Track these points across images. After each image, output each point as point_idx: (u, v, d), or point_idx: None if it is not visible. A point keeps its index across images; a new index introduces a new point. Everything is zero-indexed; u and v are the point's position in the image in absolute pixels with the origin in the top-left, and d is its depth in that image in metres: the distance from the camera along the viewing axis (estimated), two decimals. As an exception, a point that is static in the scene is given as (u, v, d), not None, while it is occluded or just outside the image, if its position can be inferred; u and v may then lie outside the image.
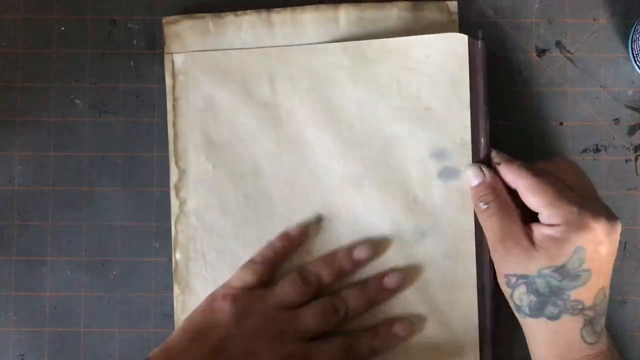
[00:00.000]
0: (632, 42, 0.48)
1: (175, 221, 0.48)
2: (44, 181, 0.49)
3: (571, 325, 0.41)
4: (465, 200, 0.47)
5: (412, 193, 0.47)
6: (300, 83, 0.48)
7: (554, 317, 0.42)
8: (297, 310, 0.45)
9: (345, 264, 0.46)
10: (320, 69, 0.48)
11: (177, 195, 0.48)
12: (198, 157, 0.48)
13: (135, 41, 0.50)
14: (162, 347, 0.43)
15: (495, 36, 0.49)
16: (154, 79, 0.49)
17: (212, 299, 0.45)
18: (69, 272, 0.49)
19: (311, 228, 0.47)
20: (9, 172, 0.49)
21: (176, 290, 0.48)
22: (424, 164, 0.47)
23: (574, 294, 0.41)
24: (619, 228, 0.42)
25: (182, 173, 0.48)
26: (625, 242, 0.48)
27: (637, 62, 0.48)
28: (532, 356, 0.44)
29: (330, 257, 0.46)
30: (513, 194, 0.44)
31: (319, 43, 0.48)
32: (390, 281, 0.46)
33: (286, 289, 0.45)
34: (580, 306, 0.41)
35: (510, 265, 0.43)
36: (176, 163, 0.48)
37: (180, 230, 0.48)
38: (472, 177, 0.45)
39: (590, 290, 0.41)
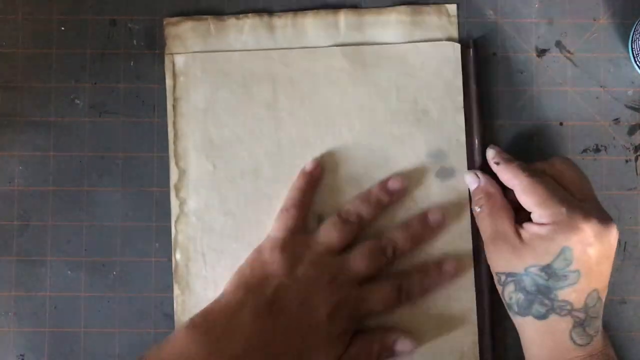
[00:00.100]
0: (632, 42, 0.48)
1: (175, 221, 0.48)
2: (44, 181, 0.49)
3: (560, 325, 0.42)
4: (462, 198, 0.48)
5: (411, 193, 0.48)
6: (301, 85, 0.49)
7: (541, 317, 0.42)
8: (345, 255, 0.45)
9: (382, 197, 0.46)
10: (320, 72, 0.48)
11: (177, 195, 0.48)
12: (198, 157, 0.49)
13: (135, 41, 0.50)
14: (217, 303, 0.43)
15: (495, 36, 0.49)
16: (154, 79, 0.49)
17: (258, 252, 0.45)
18: (69, 272, 0.49)
19: (325, 161, 0.47)
20: (9, 172, 0.49)
21: (176, 291, 0.48)
22: (422, 164, 0.48)
23: (562, 294, 0.41)
24: (612, 230, 0.42)
25: (182, 173, 0.48)
26: (625, 242, 0.48)
27: (637, 62, 0.48)
28: (525, 355, 0.44)
29: (366, 194, 0.47)
30: (511, 194, 0.45)
31: (319, 47, 0.49)
32: (433, 217, 0.46)
33: (329, 233, 0.45)
34: (568, 307, 0.41)
35: (500, 263, 0.43)
36: (176, 163, 0.49)
37: (180, 230, 0.48)
38: (469, 183, 0.47)
39: (580, 291, 0.41)
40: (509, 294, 0.43)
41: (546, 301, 0.42)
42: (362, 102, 0.49)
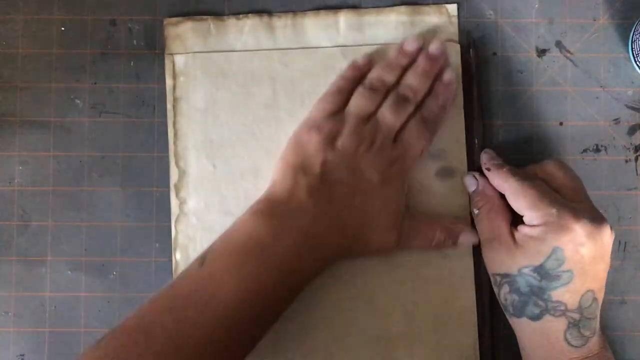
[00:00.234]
0: (632, 42, 0.48)
1: (175, 221, 0.48)
2: (44, 181, 0.49)
3: (554, 326, 0.42)
4: (462, 198, 0.48)
5: (410, 192, 0.48)
6: (301, 85, 0.49)
7: (535, 317, 0.42)
8: (376, 116, 0.45)
9: (401, 60, 0.47)
10: (320, 72, 0.48)
11: (177, 195, 0.48)
12: (198, 157, 0.49)
13: (135, 41, 0.50)
14: (270, 190, 0.44)
15: (495, 36, 0.49)
16: (154, 79, 0.49)
17: (296, 136, 0.46)
18: (69, 272, 0.49)
19: (376, 57, 0.48)
20: (9, 172, 0.49)
21: (176, 290, 0.48)
22: (421, 164, 0.48)
23: (555, 295, 0.41)
24: (605, 230, 0.42)
25: (182, 173, 0.48)
26: (626, 242, 0.48)
27: (637, 62, 0.48)
28: (522, 356, 0.45)
29: (386, 61, 0.47)
30: (505, 201, 0.45)
31: (319, 47, 0.49)
32: (434, 47, 0.47)
33: (359, 103, 0.46)
34: (562, 307, 0.41)
35: (495, 264, 0.44)
36: (176, 163, 0.49)
37: (180, 230, 0.48)
38: (467, 185, 0.47)
39: (574, 292, 0.41)
40: (504, 295, 0.44)
41: (540, 302, 0.42)
42: (362, 102, 0.48)
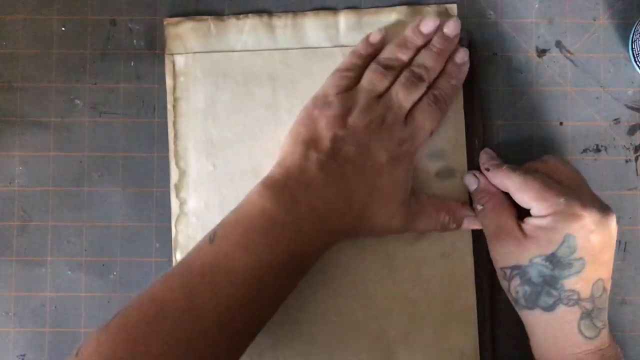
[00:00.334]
0: (632, 42, 0.48)
1: (175, 221, 0.48)
2: (44, 181, 0.49)
3: (567, 316, 0.42)
4: (462, 198, 0.48)
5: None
6: (301, 85, 0.49)
7: (549, 308, 0.42)
8: (389, 94, 0.45)
9: (417, 39, 0.47)
10: (320, 72, 0.48)
11: (177, 195, 0.48)
12: (198, 157, 0.49)
13: (135, 41, 0.50)
14: (281, 164, 0.44)
15: (495, 36, 0.49)
16: (154, 79, 0.49)
17: (307, 110, 0.45)
18: (69, 272, 0.49)
19: (390, 33, 0.48)
20: (9, 172, 0.49)
21: (176, 290, 0.48)
22: (422, 164, 0.48)
23: (568, 284, 0.41)
24: (612, 219, 0.42)
25: (182, 173, 0.48)
26: (626, 242, 0.48)
27: (637, 62, 0.48)
28: (533, 352, 0.44)
29: (401, 40, 0.47)
30: (508, 196, 0.45)
31: (319, 47, 0.49)
32: (450, 28, 0.47)
33: (372, 80, 0.45)
34: (575, 296, 0.41)
35: (504, 258, 0.44)
36: (176, 163, 0.49)
37: (180, 230, 0.48)
38: (468, 184, 0.47)
39: (586, 280, 0.42)
40: (515, 288, 0.43)
41: (553, 291, 0.42)
42: (362, 102, 0.48)
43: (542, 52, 0.49)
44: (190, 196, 0.48)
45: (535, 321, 0.43)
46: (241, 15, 0.49)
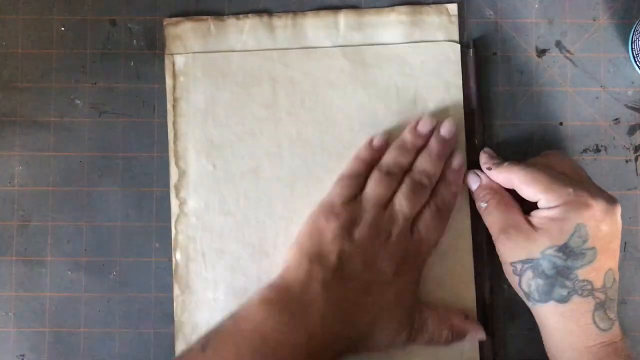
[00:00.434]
0: (632, 42, 0.48)
1: (175, 221, 0.48)
2: (44, 181, 0.49)
3: (582, 307, 0.41)
4: (461, 198, 0.48)
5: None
6: (301, 85, 0.49)
7: (563, 300, 0.42)
8: (393, 204, 0.45)
9: (417, 141, 0.47)
10: (320, 72, 0.48)
11: (177, 195, 0.48)
12: (198, 157, 0.49)
13: (135, 41, 0.50)
14: (285, 276, 0.43)
15: (495, 36, 0.49)
16: (154, 79, 0.49)
17: (313, 221, 0.45)
18: (69, 272, 0.49)
19: (392, 137, 0.48)
20: (9, 172, 0.49)
21: (176, 291, 0.48)
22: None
23: (582, 274, 0.41)
24: (618, 209, 0.42)
25: (182, 173, 0.48)
26: (626, 242, 0.48)
27: (637, 62, 0.48)
28: (546, 348, 0.44)
29: (401, 143, 0.47)
30: (511, 193, 0.45)
31: (319, 47, 0.49)
32: (446, 130, 0.47)
33: (377, 189, 0.45)
34: (589, 287, 0.41)
35: (514, 252, 0.43)
36: (176, 163, 0.49)
37: (180, 230, 0.48)
38: (470, 183, 0.47)
39: (598, 269, 0.42)
40: (527, 282, 0.43)
41: (567, 282, 0.42)
42: (362, 102, 0.49)
43: (542, 52, 0.49)
44: (190, 196, 0.48)
45: (549, 314, 0.43)
46: (241, 15, 0.49)
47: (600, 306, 0.42)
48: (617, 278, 0.43)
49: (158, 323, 0.48)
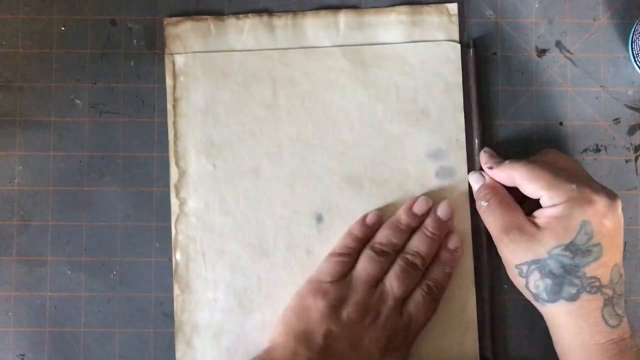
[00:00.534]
0: (632, 42, 0.48)
1: (175, 221, 0.48)
2: (44, 181, 0.49)
3: (591, 304, 0.41)
4: (462, 197, 0.48)
5: (411, 192, 0.48)
6: (301, 85, 0.49)
7: (572, 298, 0.42)
8: (383, 284, 0.45)
9: (411, 222, 0.47)
10: (320, 72, 0.48)
11: (177, 195, 0.48)
12: (198, 157, 0.49)
13: (135, 41, 0.50)
14: (271, 354, 0.43)
15: (495, 36, 0.49)
16: (154, 79, 0.49)
17: (301, 297, 0.45)
18: (69, 272, 0.49)
19: (386, 215, 0.47)
20: (9, 172, 0.49)
21: (176, 290, 0.48)
22: (421, 164, 0.48)
23: (589, 271, 0.41)
24: (619, 203, 0.42)
25: (182, 173, 0.48)
26: (626, 242, 0.48)
27: (637, 62, 0.48)
28: (555, 347, 0.44)
29: (394, 223, 0.47)
30: (512, 194, 0.45)
31: (319, 47, 0.49)
32: (442, 211, 0.47)
33: (368, 268, 0.45)
34: (597, 283, 0.41)
35: (519, 254, 0.43)
36: (176, 163, 0.49)
37: (180, 230, 0.48)
38: (473, 182, 0.47)
39: (605, 266, 0.42)
40: (535, 283, 0.43)
41: (575, 280, 0.41)
42: (362, 102, 0.49)
43: (542, 52, 0.49)
44: (190, 196, 0.48)
45: (559, 314, 0.43)
46: (241, 15, 0.49)
47: (609, 302, 0.42)
48: (623, 273, 0.43)
49: (158, 323, 0.48)
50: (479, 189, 0.46)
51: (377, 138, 0.48)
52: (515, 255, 0.43)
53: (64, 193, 0.49)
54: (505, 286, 0.48)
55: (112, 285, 0.49)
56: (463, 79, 0.48)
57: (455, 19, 0.49)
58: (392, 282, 0.45)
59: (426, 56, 0.48)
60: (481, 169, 0.47)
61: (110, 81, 0.49)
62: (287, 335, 0.44)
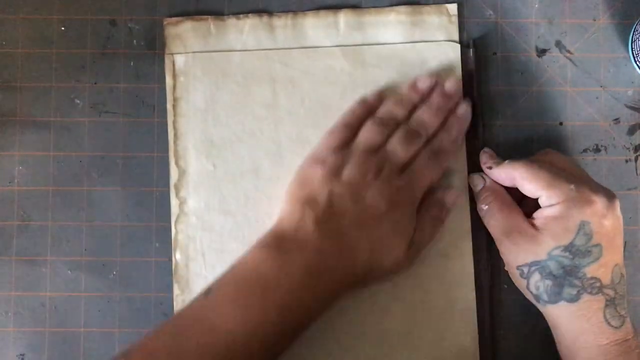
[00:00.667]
0: (632, 42, 0.48)
1: (175, 221, 0.48)
2: (44, 181, 0.49)
3: (593, 305, 0.41)
4: (462, 198, 0.48)
5: (412, 193, 0.48)
6: (301, 85, 0.49)
7: (573, 299, 0.42)
8: (385, 150, 0.45)
9: (413, 97, 0.47)
10: (320, 72, 0.49)
11: (177, 195, 0.48)
12: (198, 157, 0.49)
13: (135, 41, 0.50)
14: (280, 222, 0.44)
15: (495, 36, 0.49)
16: (154, 79, 0.49)
17: (301, 169, 0.45)
18: (69, 272, 0.49)
19: (386, 94, 0.48)
20: (9, 172, 0.49)
21: (176, 290, 0.48)
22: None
23: (589, 271, 0.41)
24: (618, 203, 0.42)
25: (182, 173, 0.48)
26: (626, 242, 0.48)
27: (637, 62, 0.48)
28: (558, 349, 0.44)
29: (397, 97, 0.47)
30: (512, 193, 0.45)
31: (319, 47, 0.49)
32: (450, 85, 0.47)
33: (367, 135, 0.45)
34: (598, 284, 0.41)
35: (519, 255, 0.43)
36: (176, 163, 0.49)
37: (180, 230, 0.48)
38: (474, 184, 0.47)
39: (605, 266, 0.42)
40: (536, 284, 0.43)
41: (576, 281, 0.42)
42: (362, 102, 0.49)
43: (542, 52, 0.49)
44: (190, 196, 0.48)
45: (560, 315, 0.43)
46: (241, 15, 0.49)
47: (611, 303, 0.41)
48: (624, 273, 0.43)
49: (158, 323, 0.48)
50: (479, 191, 0.46)
51: (377, 138, 0.48)
52: (516, 256, 0.43)
53: (64, 193, 0.49)
54: (505, 286, 0.48)
55: (112, 285, 0.49)
56: (463, 79, 0.48)
57: (455, 19, 0.49)
58: (394, 145, 0.45)
59: (426, 56, 0.49)
60: (479, 170, 0.47)
61: (110, 81, 0.49)
62: (293, 202, 0.44)
